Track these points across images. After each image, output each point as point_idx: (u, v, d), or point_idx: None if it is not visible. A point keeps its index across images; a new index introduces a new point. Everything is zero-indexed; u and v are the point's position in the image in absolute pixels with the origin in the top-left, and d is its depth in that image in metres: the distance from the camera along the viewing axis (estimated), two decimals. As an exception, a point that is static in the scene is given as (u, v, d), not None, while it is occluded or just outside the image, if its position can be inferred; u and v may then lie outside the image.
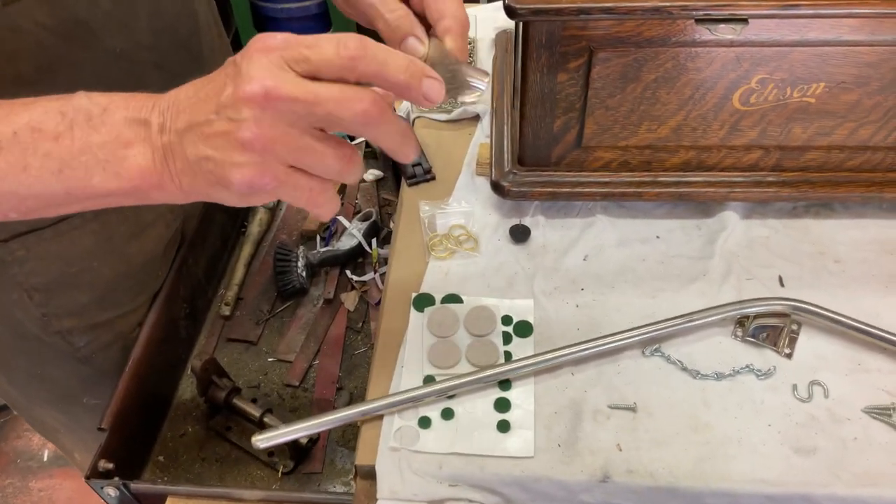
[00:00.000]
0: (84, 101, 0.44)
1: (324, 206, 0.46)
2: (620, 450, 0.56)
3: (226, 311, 0.88)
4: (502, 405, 0.60)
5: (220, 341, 0.87)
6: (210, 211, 0.90)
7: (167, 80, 0.77)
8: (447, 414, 0.60)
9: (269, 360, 0.84)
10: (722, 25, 0.60)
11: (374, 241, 0.94)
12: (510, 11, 0.61)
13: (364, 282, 0.91)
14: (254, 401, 0.78)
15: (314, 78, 0.42)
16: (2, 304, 0.74)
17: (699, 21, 0.60)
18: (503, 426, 0.58)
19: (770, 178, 0.72)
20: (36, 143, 0.43)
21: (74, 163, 0.44)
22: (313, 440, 0.74)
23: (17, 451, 1.76)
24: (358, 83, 0.42)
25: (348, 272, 0.92)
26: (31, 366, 0.85)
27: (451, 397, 0.61)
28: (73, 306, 0.77)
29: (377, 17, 0.53)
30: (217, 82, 0.43)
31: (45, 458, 1.75)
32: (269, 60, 0.41)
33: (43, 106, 0.44)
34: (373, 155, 1.08)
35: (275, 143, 0.42)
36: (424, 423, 0.59)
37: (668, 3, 0.59)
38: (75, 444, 0.99)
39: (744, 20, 0.60)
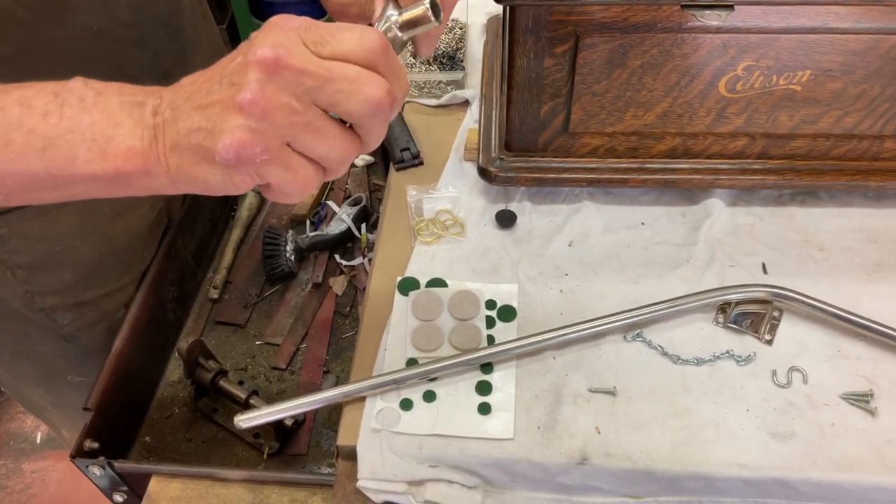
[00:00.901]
0: (79, 84, 0.43)
1: (306, 193, 0.44)
2: (599, 433, 0.57)
3: (214, 294, 0.88)
4: (484, 388, 0.60)
5: (209, 324, 0.87)
6: (198, 196, 0.90)
7: (148, 59, 0.77)
8: (429, 396, 0.60)
9: (257, 343, 0.85)
10: (708, 12, 0.60)
11: (363, 226, 0.94)
12: (497, -5, 0.61)
13: (353, 266, 0.91)
14: (241, 383, 0.78)
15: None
16: None
17: (685, 7, 0.60)
18: (484, 408, 0.59)
19: (756, 166, 0.72)
20: (21, 118, 0.42)
21: (60, 141, 0.42)
22: (298, 422, 0.75)
23: (11, 434, 1.77)
24: None
25: (337, 256, 0.92)
26: (16, 343, 0.85)
27: (433, 380, 0.61)
28: (57, 284, 0.77)
29: None
30: (226, 59, 0.41)
31: (38, 441, 1.76)
32: (286, 36, 0.39)
33: (37, 87, 0.43)
34: (364, 140, 1.07)
35: (275, 110, 0.39)
36: (406, 405, 0.59)
37: (654, -11, 0.59)
38: (62, 421, 1.00)
39: (730, 6, 0.60)
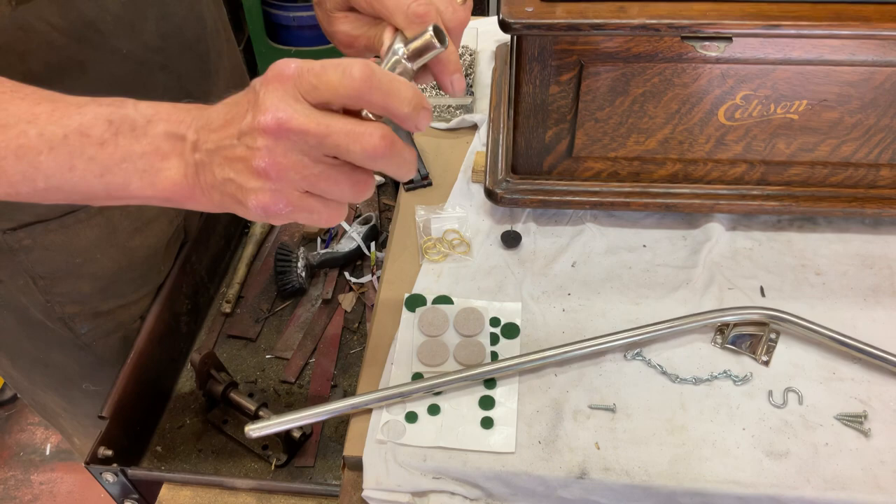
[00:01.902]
0: (131, 111, 0.47)
1: (337, 221, 0.48)
2: (598, 448, 0.59)
3: (227, 308, 0.91)
4: (487, 403, 0.62)
5: (220, 337, 0.89)
6: (214, 213, 0.92)
7: (173, 82, 0.81)
8: (433, 410, 0.62)
9: (267, 356, 0.87)
10: (707, 43, 0.62)
11: (372, 244, 0.97)
12: (504, 26, 0.64)
13: (362, 283, 0.93)
14: (250, 395, 0.80)
15: (327, 106, 0.43)
16: (8, 289, 0.77)
17: (685, 38, 0.63)
18: (487, 423, 0.61)
19: (755, 192, 0.74)
20: (83, 147, 0.46)
21: (116, 168, 0.47)
22: (306, 435, 0.77)
23: (21, 445, 1.79)
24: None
25: (346, 274, 0.94)
26: (35, 350, 0.88)
27: (437, 394, 0.63)
28: (76, 295, 0.80)
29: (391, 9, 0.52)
30: (241, 107, 0.45)
31: (48, 452, 1.78)
32: (284, 91, 0.43)
33: (93, 111, 0.47)
34: (375, 161, 1.10)
35: (287, 170, 0.43)
36: (411, 417, 0.61)
37: (655, 21, 0.62)
38: (75, 428, 1.02)
39: (728, 38, 0.62)
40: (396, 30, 0.51)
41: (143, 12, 0.74)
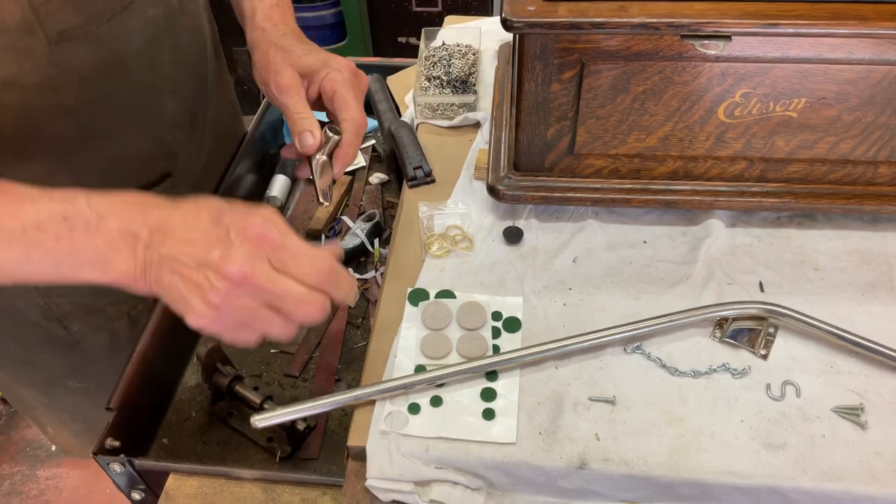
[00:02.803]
0: (84, 209, 0.51)
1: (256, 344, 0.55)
2: (598, 439, 0.59)
3: (232, 303, 0.92)
4: (488, 395, 0.63)
5: (226, 332, 0.90)
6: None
7: (180, 105, 0.85)
8: (436, 401, 0.63)
9: (272, 351, 0.88)
10: (706, 41, 0.63)
11: (376, 240, 0.98)
12: (506, 24, 0.65)
13: (365, 280, 0.94)
14: (255, 389, 0.81)
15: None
16: (6, 294, 0.79)
17: (685, 37, 0.64)
18: (488, 414, 0.61)
19: (754, 189, 0.75)
20: (39, 241, 0.51)
21: (69, 259, 0.51)
22: (311, 427, 0.78)
23: (27, 441, 1.80)
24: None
25: (350, 270, 0.95)
26: (21, 352, 0.89)
27: (440, 386, 0.64)
28: (74, 295, 0.82)
29: (287, 114, 0.70)
30: (208, 237, 0.51)
31: (53, 448, 1.79)
32: (257, 253, 0.51)
33: (48, 207, 0.51)
34: (379, 159, 1.12)
35: (234, 309, 0.51)
36: (414, 409, 0.62)
37: (655, 20, 0.62)
38: (50, 420, 1.05)
39: (727, 37, 0.63)
40: (325, 124, 0.70)
41: (161, 44, 0.77)
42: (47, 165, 0.72)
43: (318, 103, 0.75)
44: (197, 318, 0.52)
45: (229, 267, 0.50)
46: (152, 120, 0.81)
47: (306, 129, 0.69)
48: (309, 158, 0.71)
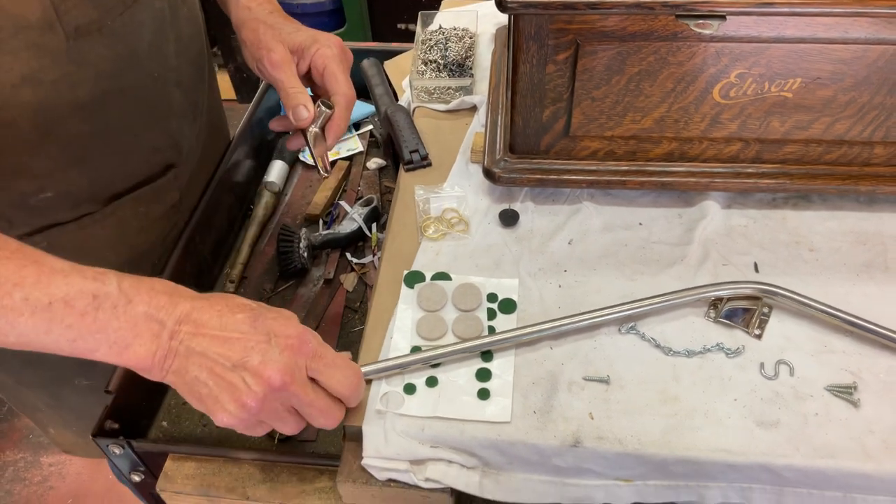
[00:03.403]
0: (114, 289, 0.52)
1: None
2: (592, 418, 0.60)
3: (230, 288, 0.92)
4: (483, 375, 0.63)
5: (224, 317, 0.91)
6: (217, 195, 0.94)
7: (184, 96, 0.87)
8: (431, 382, 0.63)
9: (270, 335, 0.88)
10: (701, 21, 0.63)
11: (374, 225, 0.98)
12: (501, 5, 0.65)
13: (363, 264, 0.95)
14: (254, 372, 0.81)
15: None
16: None
17: (679, 17, 0.64)
18: (483, 394, 0.62)
19: (750, 170, 0.75)
20: (64, 316, 0.50)
21: (89, 337, 0.51)
22: (308, 410, 0.78)
23: (30, 428, 1.81)
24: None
25: (348, 255, 0.96)
26: (29, 353, 0.90)
27: (435, 366, 0.64)
28: None
29: (281, 89, 0.72)
30: (247, 339, 0.53)
31: (57, 435, 1.80)
32: (296, 360, 0.54)
33: (79, 284, 0.51)
34: (376, 144, 1.12)
35: (266, 412, 0.54)
36: (409, 389, 0.63)
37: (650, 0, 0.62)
38: (53, 420, 1.05)
39: (722, 17, 0.63)
40: (317, 98, 0.74)
41: (167, 36, 0.78)
42: (62, 159, 0.73)
43: (305, 78, 0.76)
44: (227, 417, 0.53)
45: (271, 373, 0.52)
46: (161, 112, 0.82)
47: (301, 102, 0.71)
48: (303, 131, 0.74)
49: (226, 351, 0.53)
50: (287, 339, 0.54)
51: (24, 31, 0.63)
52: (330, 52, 0.74)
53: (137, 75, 0.76)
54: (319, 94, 0.77)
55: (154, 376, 0.54)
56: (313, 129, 0.74)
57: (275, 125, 0.80)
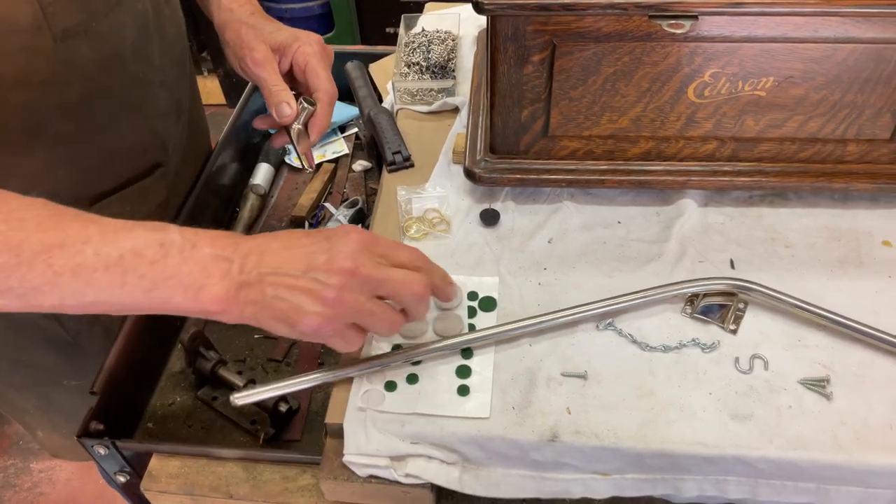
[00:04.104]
0: (177, 237, 0.53)
1: (355, 349, 0.59)
2: (569, 413, 0.61)
3: (216, 290, 0.93)
4: (463, 372, 0.64)
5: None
6: (203, 197, 0.95)
7: (167, 95, 0.88)
8: (412, 379, 0.64)
9: (256, 336, 0.89)
10: (673, 21, 0.64)
11: (359, 226, 0.99)
12: (478, 7, 0.66)
13: (348, 265, 0.95)
14: (239, 373, 0.82)
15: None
16: None
17: (652, 17, 0.65)
18: (463, 390, 0.63)
19: (726, 168, 0.76)
20: (135, 266, 0.51)
21: (163, 284, 0.52)
22: (293, 409, 0.79)
23: (20, 434, 1.81)
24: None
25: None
26: (17, 354, 0.90)
27: (416, 364, 0.65)
28: None
29: (264, 87, 0.74)
30: (308, 247, 0.55)
31: (47, 441, 1.80)
32: (360, 248, 0.55)
33: (144, 236, 0.52)
34: (361, 147, 1.13)
35: (347, 305, 0.54)
36: (390, 386, 0.63)
37: (623, 0, 0.63)
38: (41, 423, 1.05)
39: (694, 16, 0.64)
40: (299, 95, 0.76)
41: (150, 37, 0.79)
42: (49, 160, 0.74)
43: (287, 77, 0.78)
44: (312, 319, 0.54)
45: (340, 262, 0.54)
46: (146, 111, 0.83)
47: (283, 100, 0.73)
48: (286, 128, 0.76)
49: (293, 263, 0.54)
50: (344, 233, 0.56)
51: (14, 34, 0.64)
52: (311, 49, 0.75)
53: (123, 76, 0.77)
54: (301, 92, 0.79)
55: (232, 316, 0.54)
56: (297, 126, 0.75)
57: (259, 123, 0.81)
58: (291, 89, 0.76)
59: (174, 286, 0.52)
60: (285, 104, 0.73)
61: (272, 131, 0.82)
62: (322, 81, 0.75)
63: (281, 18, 2.44)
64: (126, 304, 0.52)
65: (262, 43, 0.74)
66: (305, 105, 0.75)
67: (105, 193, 0.82)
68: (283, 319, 0.54)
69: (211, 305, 0.53)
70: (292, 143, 0.76)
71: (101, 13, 0.71)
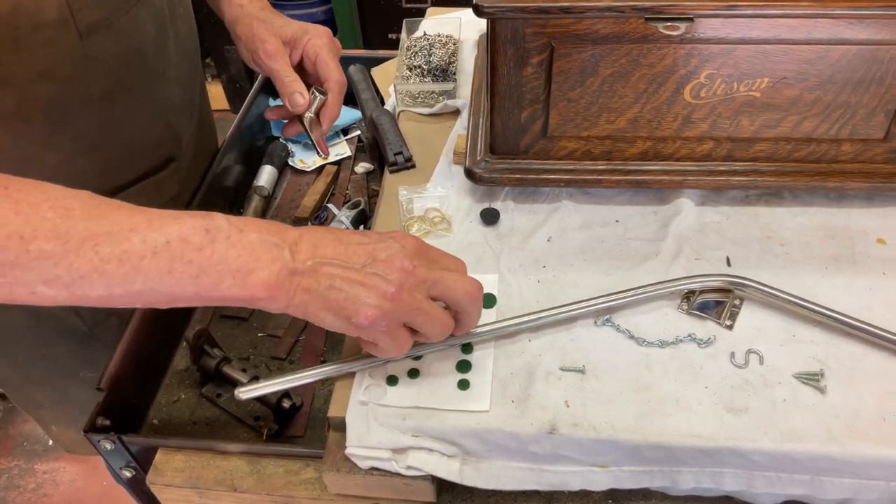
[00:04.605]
0: (224, 223, 0.53)
1: (399, 355, 0.61)
2: (568, 406, 0.62)
3: (220, 289, 0.94)
4: (463, 366, 0.65)
5: (215, 317, 0.92)
6: (208, 199, 0.96)
7: (182, 93, 0.90)
8: (413, 374, 0.65)
9: (260, 335, 0.90)
10: (669, 23, 0.66)
11: (361, 227, 1.00)
12: (478, 10, 0.67)
13: (350, 265, 0.97)
14: (243, 370, 0.83)
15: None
16: None
17: (649, 19, 0.66)
18: (463, 384, 0.64)
19: (722, 168, 0.77)
20: (183, 252, 0.51)
21: (211, 270, 0.51)
22: (296, 406, 0.80)
23: (24, 435, 1.82)
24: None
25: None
26: (38, 346, 0.91)
27: (417, 359, 0.66)
28: None
29: (276, 78, 0.77)
30: (366, 245, 0.56)
31: (51, 443, 1.81)
32: (416, 251, 0.57)
33: (190, 221, 0.52)
34: (363, 149, 1.14)
35: (404, 302, 0.55)
36: (392, 381, 0.65)
37: (619, 3, 0.65)
38: (57, 418, 1.06)
39: (689, 18, 0.66)
40: (310, 85, 0.79)
41: (167, 33, 0.82)
42: (72, 153, 0.76)
43: (298, 69, 0.80)
44: (370, 311, 0.54)
45: (400, 260, 0.55)
46: (163, 106, 0.85)
47: (296, 90, 0.76)
48: (299, 117, 0.79)
49: (351, 256, 0.54)
50: (403, 238, 0.57)
51: (41, 29, 0.66)
52: (320, 41, 0.78)
53: (143, 71, 0.79)
54: (312, 83, 0.81)
55: (279, 303, 0.54)
56: (309, 115, 0.78)
57: (270, 114, 0.83)
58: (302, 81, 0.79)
59: (222, 271, 0.51)
60: (298, 94, 0.75)
61: (283, 122, 0.85)
62: (332, 71, 0.77)
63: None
64: (174, 292, 0.52)
65: (273, 36, 0.76)
66: (317, 94, 0.78)
67: (123, 186, 0.84)
68: (338, 311, 0.54)
69: (259, 291, 0.52)
70: (306, 131, 0.78)
71: (124, 9, 0.73)
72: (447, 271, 0.58)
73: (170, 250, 0.50)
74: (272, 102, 1.14)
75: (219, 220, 0.53)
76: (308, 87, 0.78)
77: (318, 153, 0.80)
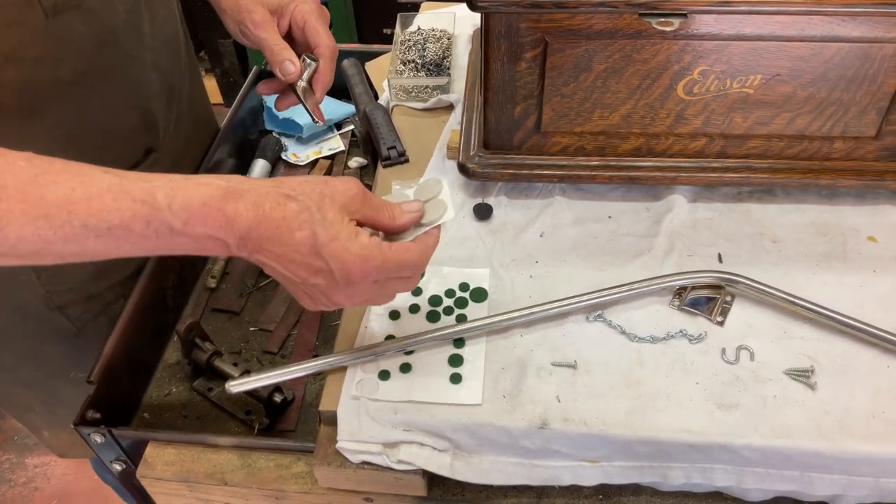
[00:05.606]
0: (166, 215, 0.51)
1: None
2: (559, 401, 0.62)
3: (212, 283, 0.94)
4: (455, 361, 0.65)
5: (206, 311, 0.92)
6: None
7: (160, 78, 0.88)
8: (405, 368, 0.65)
9: (251, 329, 0.90)
10: (663, 19, 0.66)
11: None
12: (472, 4, 0.67)
13: (343, 259, 0.96)
14: (234, 364, 0.83)
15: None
16: (8, 287, 0.80)
17: (643, 15, 0.66)
18: (455, 378, 0.64)
19: (715, 164, 0.77)
20: (126, 237, 0.50)
21: (158, 251, 0.52)
22: (288, 400, 0.80)
23: (15, 430, 1.82)
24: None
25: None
26: (26, 347, 0.91)
27: (409, 353, 0.66)
28: (75, 282, 0.83)
29: (266, 47, 0.75)
30: (308, 265, 0.54)
31: (42, 437, 1.80)
32: (362, 283, 0.55)
33: (130, 210, 0.49)
34: (357, 144, 1.14)
35: (354, 301, 0.57)
36: (384, 375, 0.65)
37: (613, -2, 0.65)
38: (48, 422, 1.04)
39: (683, 14, 0.66)
40: (300, 53, 0.77)
41: (141, 15, 0.80)
42: (49, 140, 0.74)
43: (286, 38, 0.79)
44: (310, 306, 0.57)
45: (337, 298, 0.56)
46: (139, 92, 0.84)
47: (286, 58, 0.75)
48: (292, 87, 0.77)
49: (292, 268, 0.54)
50: (350, 277, 0.54)
51: (4, 9, 0.64)
52: (307, 7, 0.77)
53: (116, 54, 0.77)
54: (301, 52, 0.80)
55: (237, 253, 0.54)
56: (302, 84, 0.77)
57: (262, 88, 0.82)
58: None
59: (171, 251, 0.52)
60: (288, 62, 0.74)
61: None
62: (322, 37, 0.76)
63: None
64: (125, 252, 0.52)
65: (259, 5, 0.75)
66: (308, 61, 0.76)
67: None
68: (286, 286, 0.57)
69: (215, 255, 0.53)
70: (300, 100, 0.77)
71: None
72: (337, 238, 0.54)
73: (112, 236, 0.50)
74: (266, 101, 1.13)
75: (161, 208, 0.50)
76: (299, 55, 0.77)
77: (313, 120, 0.80)
